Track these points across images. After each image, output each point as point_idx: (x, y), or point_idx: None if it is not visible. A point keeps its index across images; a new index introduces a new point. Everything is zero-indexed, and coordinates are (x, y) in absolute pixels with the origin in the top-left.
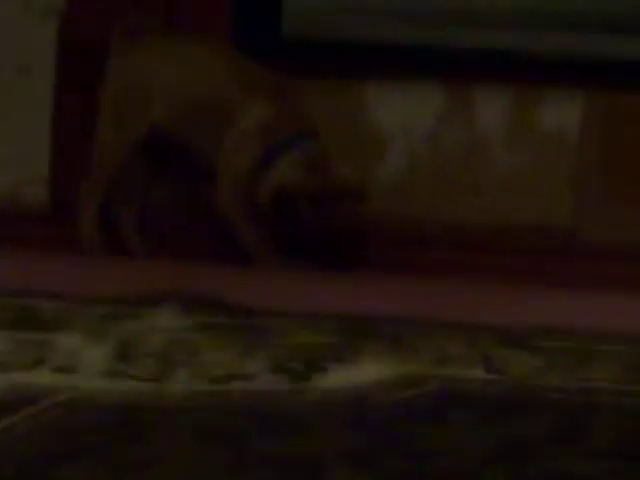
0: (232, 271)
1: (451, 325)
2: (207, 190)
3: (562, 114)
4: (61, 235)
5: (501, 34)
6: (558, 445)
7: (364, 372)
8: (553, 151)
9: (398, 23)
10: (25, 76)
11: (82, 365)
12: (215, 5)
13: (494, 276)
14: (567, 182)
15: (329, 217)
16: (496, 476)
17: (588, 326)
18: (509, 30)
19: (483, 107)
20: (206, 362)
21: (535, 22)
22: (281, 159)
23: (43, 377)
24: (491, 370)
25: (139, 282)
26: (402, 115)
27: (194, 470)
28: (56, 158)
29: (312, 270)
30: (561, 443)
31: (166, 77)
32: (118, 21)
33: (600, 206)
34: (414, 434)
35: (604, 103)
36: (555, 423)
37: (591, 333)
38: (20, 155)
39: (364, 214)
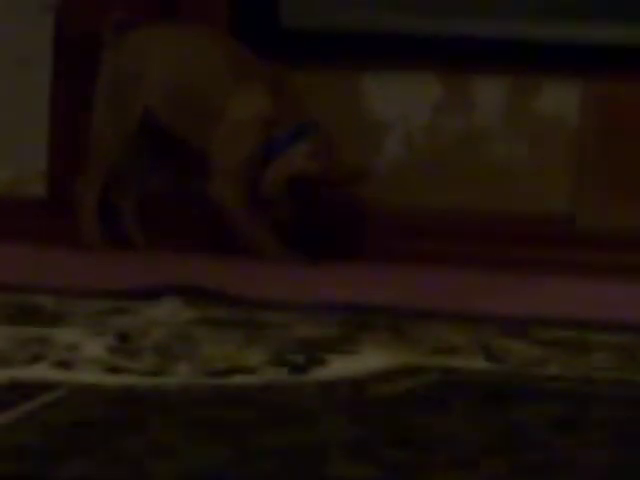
0: (231, 263)
1: (450, 315)
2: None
3: (560, 101)
4: (60, 229)
5: (498, 22)
6: (558, 434)
7: (364, 363)
8: (552, 138)
9: (395, 13)
10: (23, 70)
11: (82, 360)
12: None
13: (493, 264)
14: (566, 169)
15: (338, 203)
16: (496, 465)
17: (588, 315)
18: (506, 18)
19: (481, 95)
20: (206, 355)
21: (532, 9)
22: (289, 149)
23: (43, 372)
24: (491, 359)
25: (138, 275)
26: (400, 104)
27: (195, 463)
28: (54, 152)
29: (314, 260)
30: (561, 432)
31: (160, 65)
32: (107, 14)
33: (599, 193)
34: (414, 424)
35: (602, 90)
36: (555, 412)
37: (591, 322)
38: (18, 149)
39: (364, 199)
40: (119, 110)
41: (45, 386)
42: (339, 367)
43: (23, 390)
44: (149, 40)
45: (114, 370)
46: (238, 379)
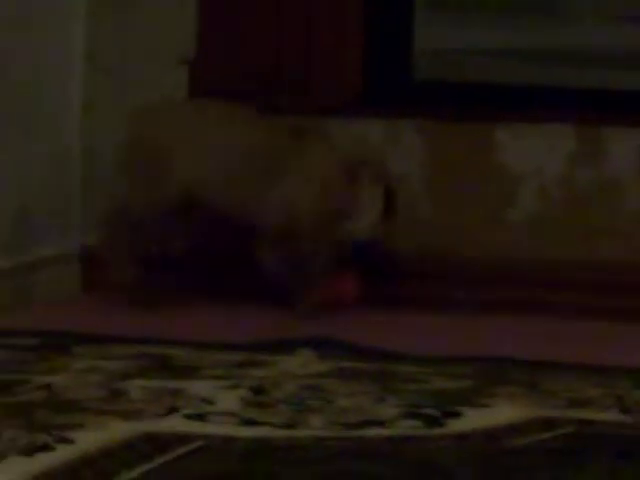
0: (363, 316)
1: (584, 367)
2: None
3: None
4: (194, 283)
5: (632, 74)
6: None
7: (498, 416)
8: None
9: (527, 64)
10: None
11: (215, 412)
12: (348, 52)
13: (629, 316)
14: None
15: None
16: None
17: None
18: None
19: (614, 147)
20: (340, 408)
21: None
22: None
23: (177, 424)
24: (625, 411)
25: (273, 329)
26: (533, 156)
27: None
28: None
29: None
30: None
31: (196, 142)
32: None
33: None
34: (549, 477)
35: None
36: None
37: None
38: None
39: None
40: (154, 183)
41: (180, 439)
42: (474, 420)
43: (158, 442)
44: (179, 117)
45: (249, 423)
46: (372, 432)
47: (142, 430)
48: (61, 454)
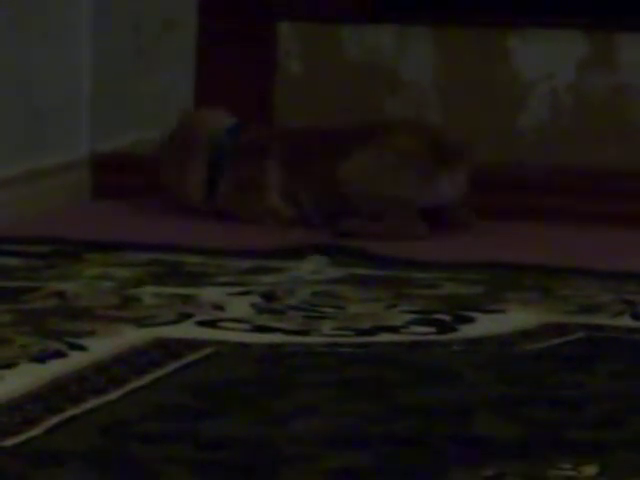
0: None
1: (597, 274)
2: None
3: None
4: None
5: None
6: None
7: (510, 322)
8: None
9: None
10: (170, 31)
11: (227, 318)
12: None
13: (636, 223)
14: None
15: None
16: None
17: None
18: None
19: (626, 53)
20: (352, 314)
21: None
22: None
23: (189, 331)
24: (637, 318)
25: (285, 235)
26: (545, 62)
27: (341, 421)
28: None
29: None
30: None
31: None
32: None
33: None
34: (560, 382)
35: None
36: None
37: None
38: (165, 110)
39: None
40: None
41: (192, 345)
42: (486, 326)
43: (170, 349)
44: None
45: (259, 329)
46: (384, 337)
47: (154, 337)
48: (73, 361)
